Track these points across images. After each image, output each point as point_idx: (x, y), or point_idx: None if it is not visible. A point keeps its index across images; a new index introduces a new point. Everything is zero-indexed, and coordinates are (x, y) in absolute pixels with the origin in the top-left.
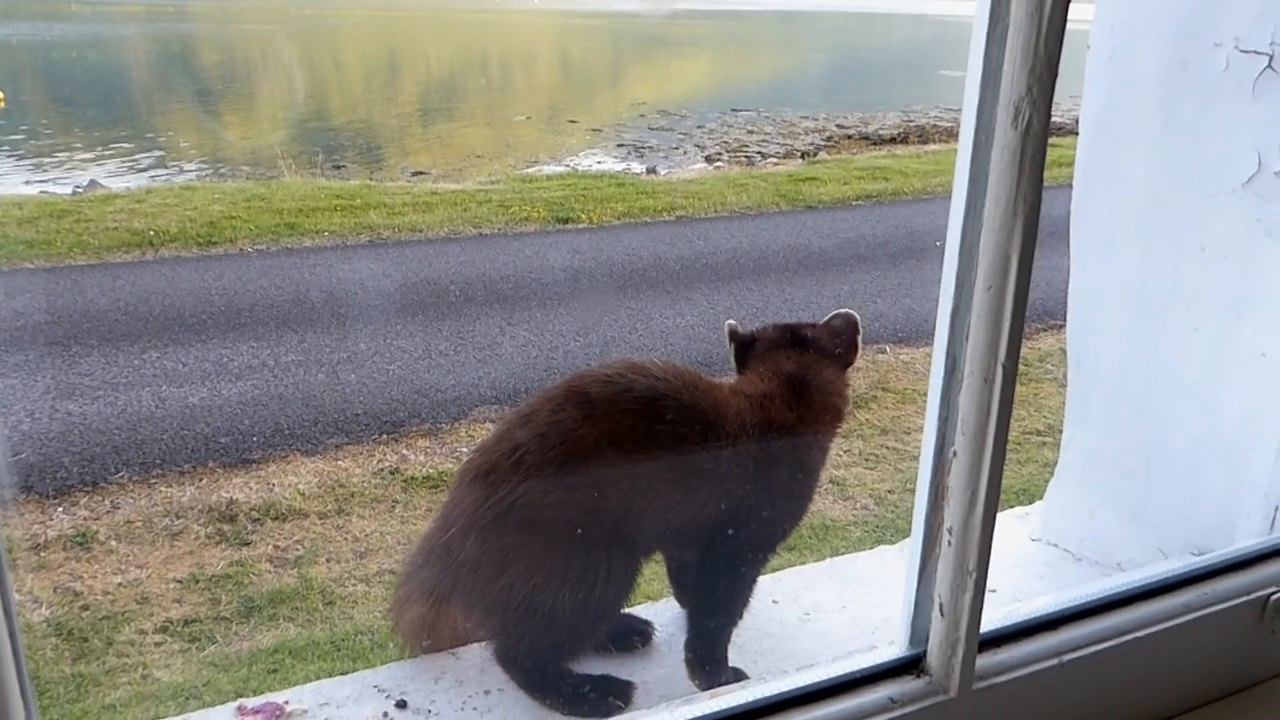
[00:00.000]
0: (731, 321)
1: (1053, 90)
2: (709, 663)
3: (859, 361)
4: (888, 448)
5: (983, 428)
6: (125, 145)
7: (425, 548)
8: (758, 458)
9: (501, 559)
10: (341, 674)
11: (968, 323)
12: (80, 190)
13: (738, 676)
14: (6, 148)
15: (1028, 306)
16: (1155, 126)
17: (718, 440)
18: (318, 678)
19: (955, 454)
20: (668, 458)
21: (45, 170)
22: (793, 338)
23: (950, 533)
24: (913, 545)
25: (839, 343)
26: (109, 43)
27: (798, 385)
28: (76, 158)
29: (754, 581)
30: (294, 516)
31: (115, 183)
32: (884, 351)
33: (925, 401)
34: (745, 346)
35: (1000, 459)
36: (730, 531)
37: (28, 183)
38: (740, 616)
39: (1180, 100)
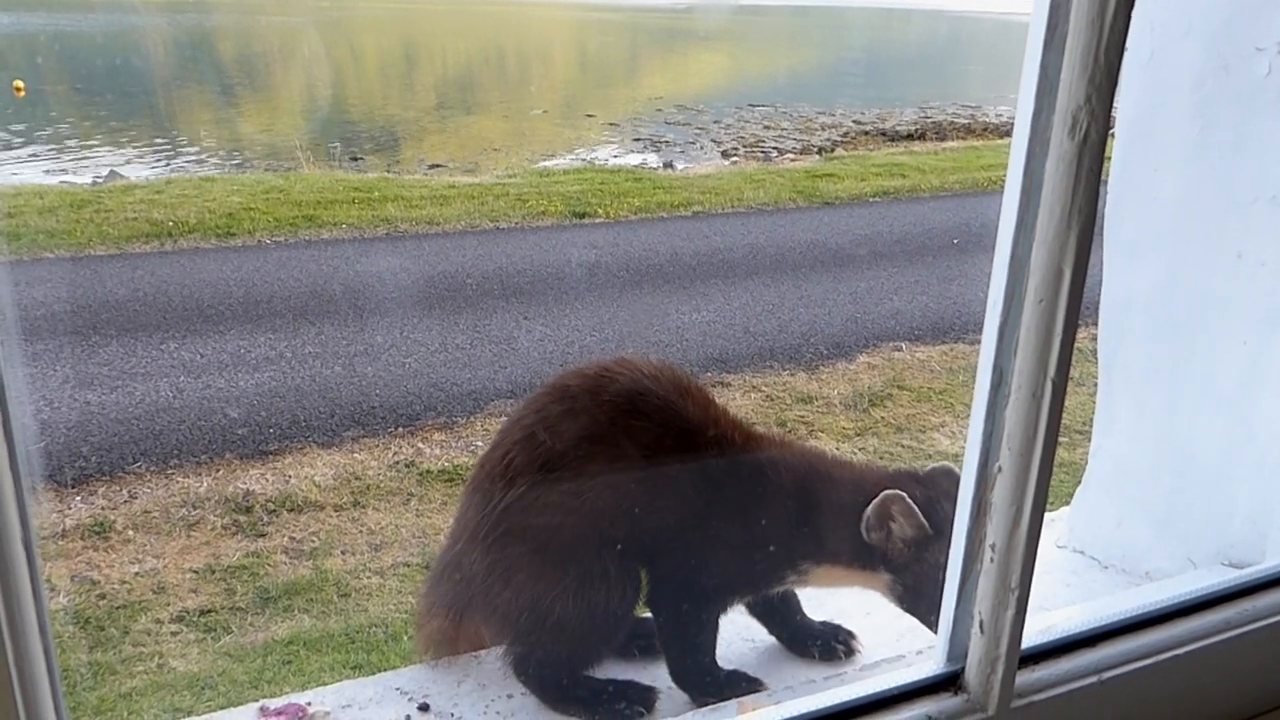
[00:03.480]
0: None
1: (1112, 100)
2: (691, 678)
3: (875, 360)
4: (903, 446)
5: (1030, 444)
6: (145, 136)
7: (441, 561)
8: (716, 491)
9: (505, 571)
10: (355, 666)
11: (1016, 336)
12: (100, 180)
13: (749, 684)
14: (27, 138)
15: None
16: (1193, 130)
17: (691, 452)
18: (333, 669)
19: (1000, 469)
20: (641, 458)
21: (66, 160)
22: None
23: (993, 549)
24: (952, 560)
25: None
26: (129, 34)
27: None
28: (96, 148)
29: (701, 613)
30: (309, 508)
31: (135, 173)
32: (900, 349)
33: (940, 400)
34: None
35: (1047, 476)
36: (673, 553)
37: (48, 172)
38: (702, 641)
39: (1220, 104)
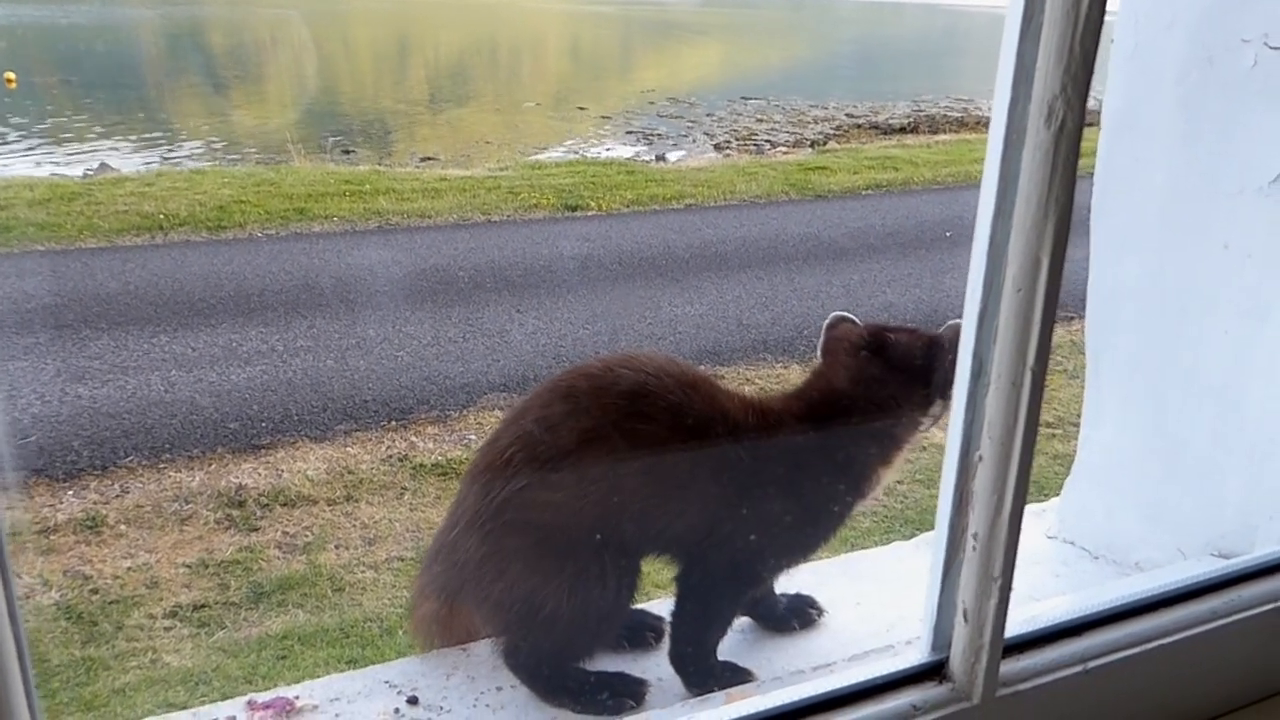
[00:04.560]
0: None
1: (1088, 90)
2: (690, 667)
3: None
4: None
5: (1010, 432)
6: (136, 128)
7: (436, 545)
8: (745, 478)
9: (501, 560)
10: (350, 660)
11: (995, 325)
12: (91, 173)
13: (738, 674)
14: (18, 130)
15: None
16: (1179, 122)
17: (703, 447)
18: (326, 664)
19: (981, 458)
20: (649, 457)
21: (56, 152)
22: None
23: (975, 538)
24: (935, 550)
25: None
26: (120, 26)
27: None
28: (87, 140)
29: (732, 603)
30: (303, 503)
31: (125, 166)
32: None
33: None
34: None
35: (1028, 464)
36: (706, 548)
37: (38, 164)
38: (713, 635)
39: (1205, 96)
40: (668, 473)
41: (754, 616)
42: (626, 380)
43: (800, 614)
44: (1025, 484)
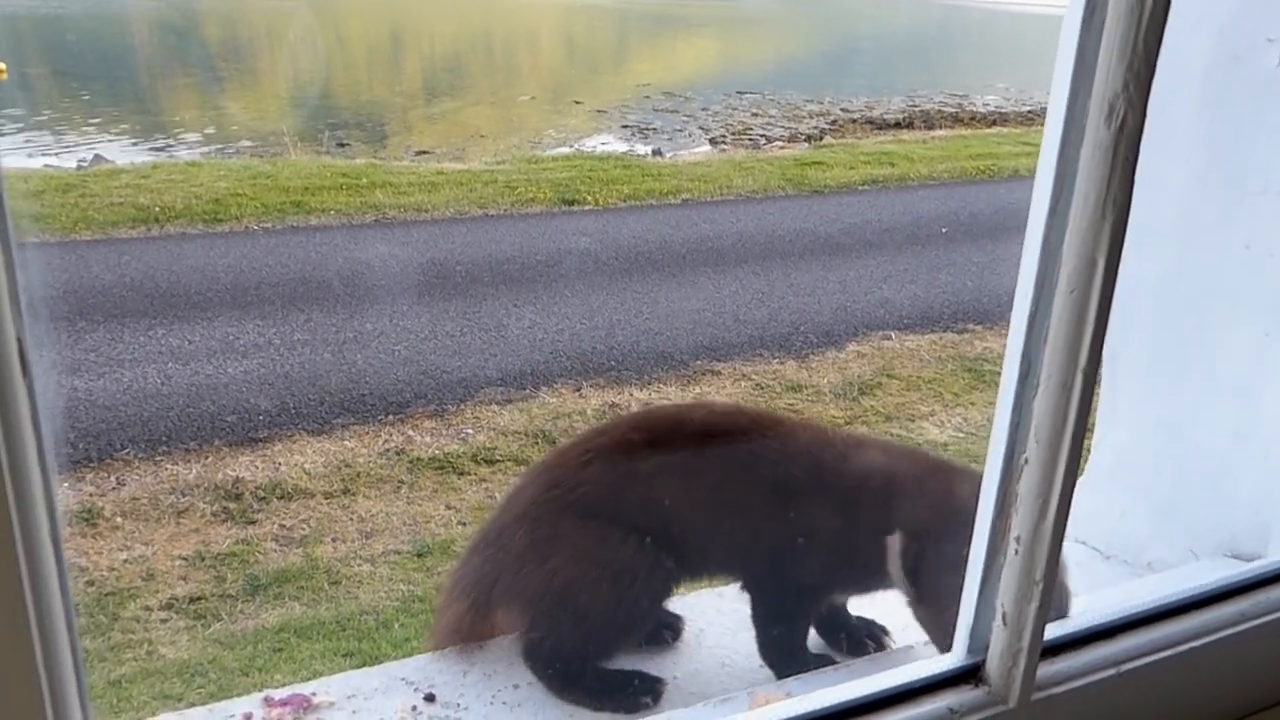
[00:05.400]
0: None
1: (1150, 87)
2: (777, 659)
3: (864, 348)
4: (892, 434)
5: (1058, 436)
6: (130, 120)
7: (476, 540)
8: (791, 500)
9: (547, 546)
10: (346, 653)
11: (1046, 326)
12: (85, 164)
13: (820, 662)
14: (11, 121)
15: None
16: (1202, 120)
17: (761, 474)
18: (323, 656)
19: (1027, 461)
20: (712, 480)
21: (49, 144)
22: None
23: (1018, 541)
24: (974, 552)
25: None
26: (114, 16)
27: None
28: (81, 132)
29: (801, 610)
30: (300, 496)
31: (120, 158)
32: (889, 338)
33: (929, 389)
34: None
35: (1074, 468)
36: (768, 561)
37: (31, 156)
38: (794, 631)
39: (1229, 94)
40: (731, 495)
41: (816, 629)
42: (698, 415)
43: (855, 641)
44: (1071, 487)
